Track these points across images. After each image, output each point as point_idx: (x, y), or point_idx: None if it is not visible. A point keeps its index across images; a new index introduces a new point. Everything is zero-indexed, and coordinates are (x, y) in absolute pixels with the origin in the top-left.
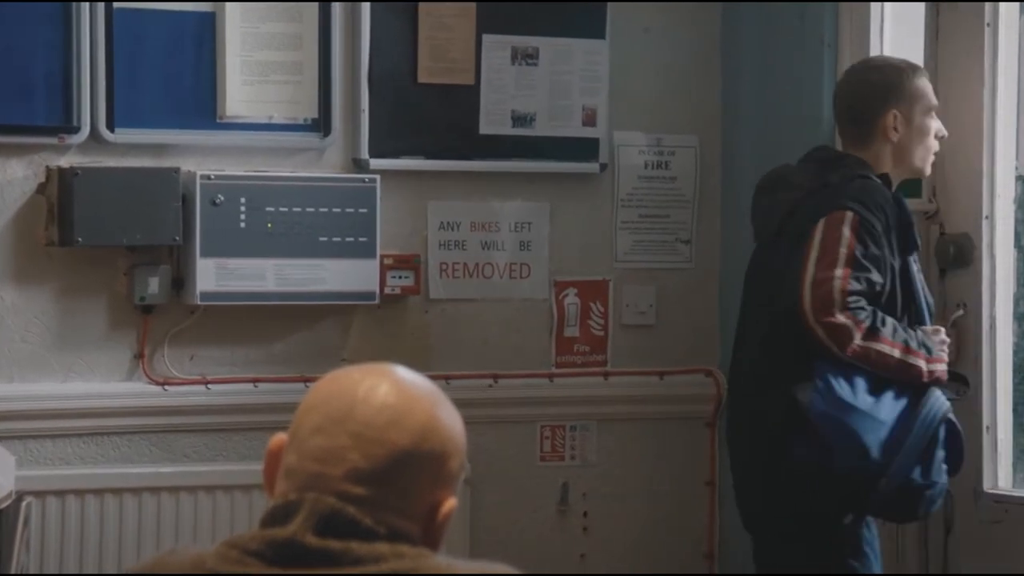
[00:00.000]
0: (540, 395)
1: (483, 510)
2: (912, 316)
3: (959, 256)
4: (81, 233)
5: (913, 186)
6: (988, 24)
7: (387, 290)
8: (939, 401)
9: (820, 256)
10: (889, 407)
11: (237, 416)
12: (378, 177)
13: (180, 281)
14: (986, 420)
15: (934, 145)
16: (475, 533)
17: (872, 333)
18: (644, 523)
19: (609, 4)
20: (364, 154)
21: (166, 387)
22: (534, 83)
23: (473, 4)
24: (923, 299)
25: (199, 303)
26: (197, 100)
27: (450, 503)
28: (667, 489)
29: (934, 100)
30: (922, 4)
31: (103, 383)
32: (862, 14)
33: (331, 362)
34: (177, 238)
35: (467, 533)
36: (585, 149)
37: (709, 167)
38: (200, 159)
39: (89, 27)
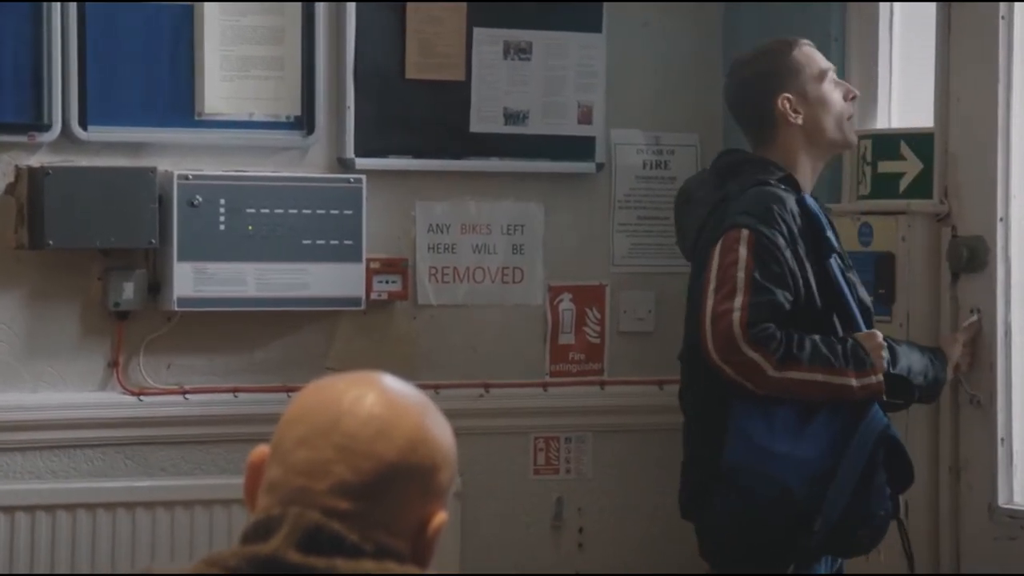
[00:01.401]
0: (534, 405)
1: (474, 525)
2: (843, 323)
3: (972, 260)
4: (52, 236)
5: (923, 187)
6: (1003, 17)
7: (373, 295)
8: (872, 422)
9: (718, 285)
10: (817, 438)
11: (216, 427)
12: (364, 177)
13: (156, 286)
14: (1000, 432)
15: (846, 109)
16: (466, 549)
17: (786, 362)
18: (642, 539)
19: None
20: (349, 153)
21: (141, 397)
22: (527, 79)
23: None
24: (853, 303)
25: (176, 309)
26: (174, 97)
27: (440, 518)
28: (666, 504)
29: (823, 64)
30: (933, 3)
31: (75, 393)
32: (870, 9)
33: (315, 371)
34: (153, 241)
35: (458, 549)
36: (581, 148)
37: None
38: (177, 158)
39: (61, 20)
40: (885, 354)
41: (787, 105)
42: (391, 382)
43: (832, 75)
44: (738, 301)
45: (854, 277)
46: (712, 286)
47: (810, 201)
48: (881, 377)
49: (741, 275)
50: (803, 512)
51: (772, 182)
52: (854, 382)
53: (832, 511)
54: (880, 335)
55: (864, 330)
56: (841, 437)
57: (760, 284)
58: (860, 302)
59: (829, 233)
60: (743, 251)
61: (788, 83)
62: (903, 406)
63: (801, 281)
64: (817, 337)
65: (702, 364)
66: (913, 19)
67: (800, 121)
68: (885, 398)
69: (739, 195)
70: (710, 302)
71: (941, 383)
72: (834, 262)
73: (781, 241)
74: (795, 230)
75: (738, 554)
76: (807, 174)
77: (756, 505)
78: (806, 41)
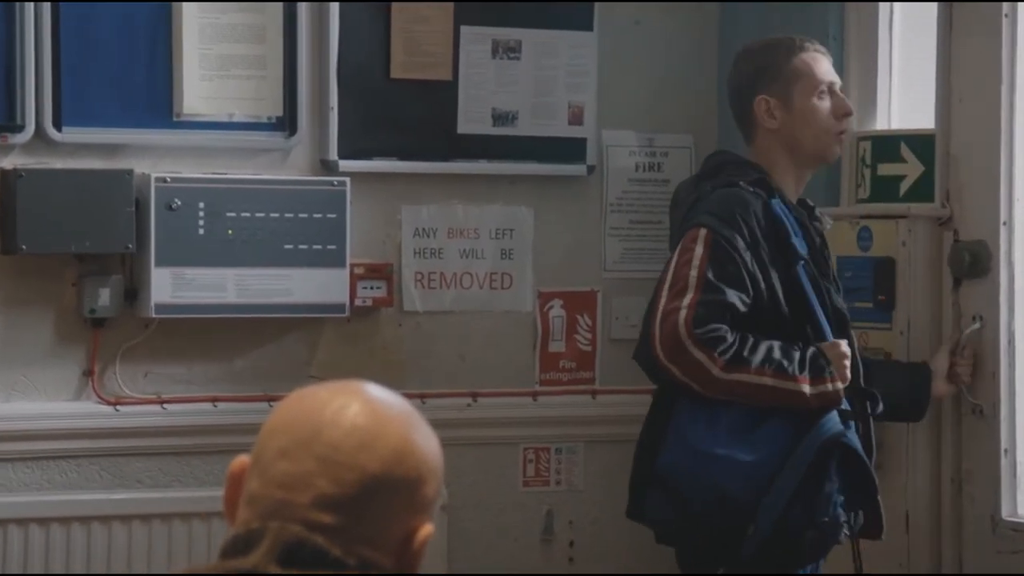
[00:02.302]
0: (523, 415)
1: (461, 539)
2: (811, 330)
3: (975, 265)
4: (25, 240)
5: (924, 190)
6: (1006, 16)
7: (358, 302)
8: (821, 429)
9: (672, 283)
10: (767, 442)
11: (195, 438)
12: (348, 180)
13: (133, 292)
14: (1004, 442)
15: (833, 125)
16: (453, 564)
17: (734, 364)
18: (634, 553)
19: None
20: (333, 155)
21: (118, 407)
22: (516, 79)
23: None
24: (818, 311)
25: (154, 316)
26: (152, 97)
27: (425, 531)
28: None
29: (822, 76)
30: (934, 3)
31: (49, 402)
32: (870, 8)
33: (297, 379)
34: (130, 246)
35: (444, 564)
36: (571, 150)
37: None
38: (155, 160)
39: (34, 17)
40: (848, 363)
41: (763, 107)
42: (375, 391)
43: (829, 88)
44: (687, 299)
45: (830, 284)
46: (667, 285)
47: (776, 206)
48: (840, 386)
49: (694, 274)
50: (742, 516)
51: (742, 184)
52: (807, 389)
53: (767, 517)
54: (843, 344)
55: (831, 338)
56: (793, 444)
57: (711, 283)
58: (835, 310)
59: (794, 240)
60: (699, 250)
61: (773, 86)
62: (875, 415)
63: (763, 285)
64: (775, 343)
65: (652, 364)
66: (913, 18)
67: (775, 126)
68: (848, 408)
69: (709, 195)
70: (662, 301)
71: (926, 398)
72: (801, 269)
73: (741, 243)
74: (758, 233)
75: (680, 557)
76: (788, 179)
77: (689, 508)
78: (816, 47)
